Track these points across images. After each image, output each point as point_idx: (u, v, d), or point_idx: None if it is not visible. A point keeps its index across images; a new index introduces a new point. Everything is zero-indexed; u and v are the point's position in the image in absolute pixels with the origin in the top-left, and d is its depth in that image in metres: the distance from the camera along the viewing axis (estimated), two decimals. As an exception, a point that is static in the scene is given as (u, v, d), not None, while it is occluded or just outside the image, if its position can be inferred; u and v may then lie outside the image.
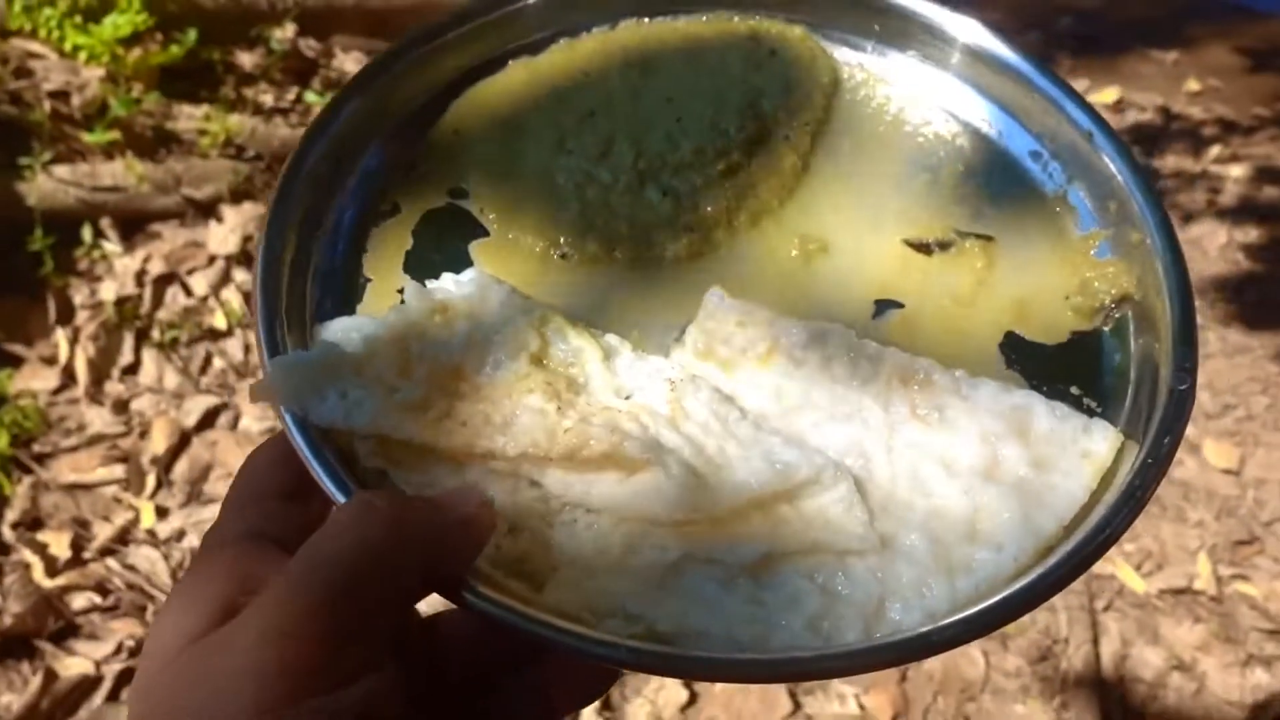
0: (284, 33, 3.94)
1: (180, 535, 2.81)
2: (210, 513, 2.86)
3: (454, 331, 0.83)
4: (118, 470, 2.92)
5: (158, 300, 3.29)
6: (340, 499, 0.74)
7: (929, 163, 1.00)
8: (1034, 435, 0.83)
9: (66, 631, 2.61)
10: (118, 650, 2.58)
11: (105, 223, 3.36)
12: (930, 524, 0.79)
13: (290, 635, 0.63)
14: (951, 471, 0.81)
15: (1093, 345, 0.91)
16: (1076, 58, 5.28)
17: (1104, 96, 4.87)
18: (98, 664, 2.55)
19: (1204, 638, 2.76)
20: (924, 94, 1.04)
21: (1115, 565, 2.89)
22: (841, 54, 1.06)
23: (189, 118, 3.60)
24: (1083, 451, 0.83)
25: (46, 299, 3.18)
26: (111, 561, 2.74)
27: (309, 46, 4.03)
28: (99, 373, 3.11)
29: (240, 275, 3.39)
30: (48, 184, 3.26)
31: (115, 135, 3.40)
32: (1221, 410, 3.38)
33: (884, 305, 0.92)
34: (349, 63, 4.09)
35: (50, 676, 2.48)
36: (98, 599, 2.66)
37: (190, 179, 3.48)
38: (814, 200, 0.98)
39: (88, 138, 3.38)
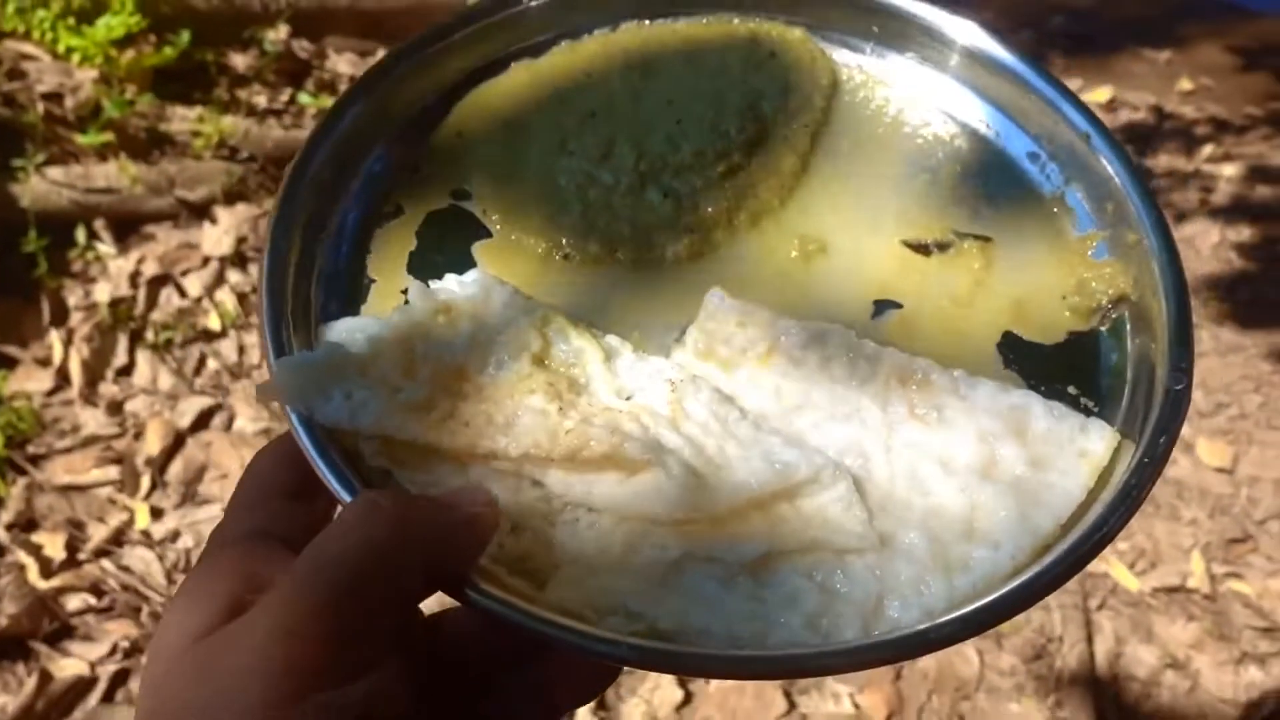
0: (277, 34, 3.93)
1: (175, 536, 2.81)
2: (205, 513, 2.86)
3: (457, 332, 0.84)
4: (112, 471, 2.92)
5: (152, 301, 3.29)
6: (346, 498, 0.74)
7: (928, 164, 1.00)
8: (1031, 434, 0.83)
9: (61, 633, 2.61)
10: (112, 651, 2.58)
11: (99, 224, 3.36)
12: (928, 522, 0.79)
13: (296, 634, 0.64)
14: (949, 470, 0.82)
15: (1090, 345, 0.91)
16: (1069, 57, 5.28)
17: (1097, 95, 4.88)
18: (92, 665, 2.55)
19: (1198, 636, 2.77)
20: (923, 95, 1.04)
21: (1109, 564, 2.89)
22: (841, 56, 1.07)
23: (182, 119, 3.59)
24: (1080, 451, 0.83)
25: (41, 301, 3.18)
26: (106, 563, 2.73)
27: (302, 48, 4.02)
28: (93, 374, 3.10)
29: (234, 276, 3.38)
30: (41, 186, 3.25)
31: (109, 137, 3.40)
32: (1215, 409, 3.38)
33: (883, 305, 0.92)
34: (342, 64, 4.09)
35: (45, 678, 2.48)
36: (92, 600, 2.66)
37: (184, 180, 3.48)
38: (813, 201, 0.99)
39: (81, 139, 3.38)
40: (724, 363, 0.87)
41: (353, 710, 0.64)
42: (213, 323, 3.28)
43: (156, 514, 2.86)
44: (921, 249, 0.96)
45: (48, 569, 2.67)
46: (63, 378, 3.08)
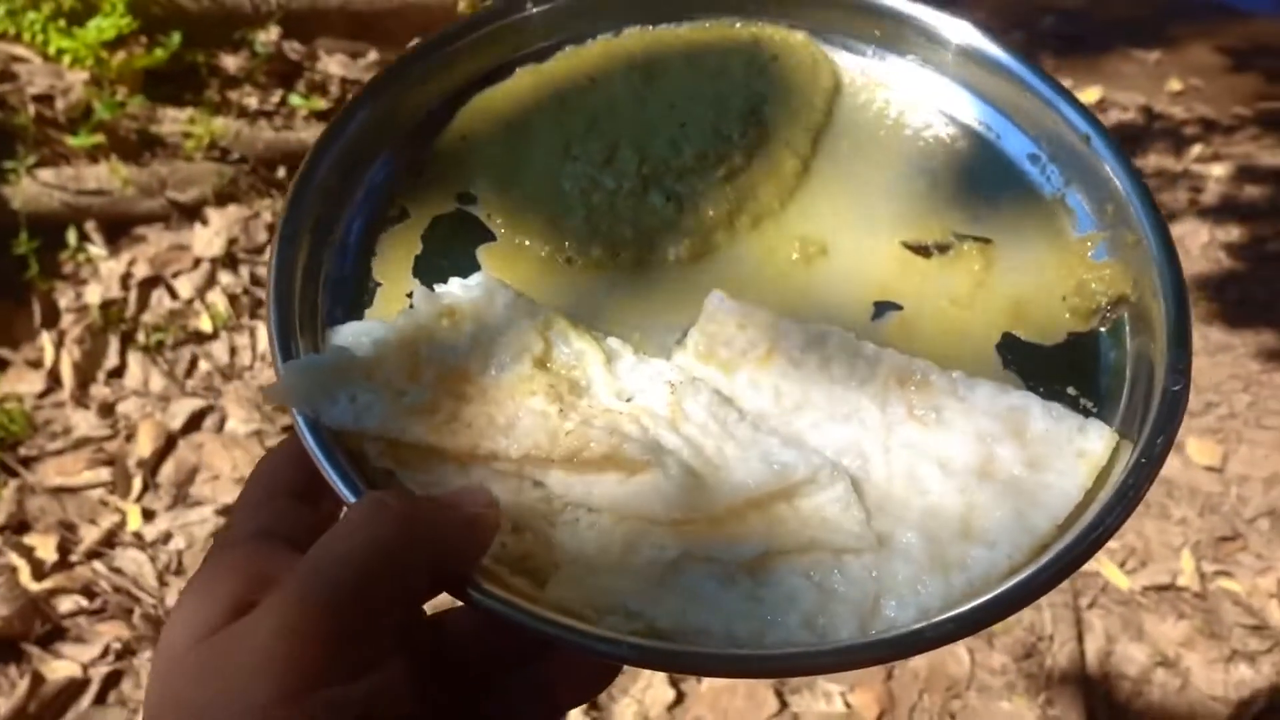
0: (268, 35, 3.92)
1: (167, 538, 2.81)
2: (197, 515, 2.85)
3: (461, 335, 0.84)
4: (104, 473, 2.91)
5: (143, 303, 3.28)
6: (351, 499, 0.74)
7: (928, 166, 1.01)
8: (1030, 435, 0.84)
9: (53, 635, 2.60)
10: (105, 653, 2.57)
11: (90, 226, 3.35)
12: (926, 522, 0.79)
13: (301, 633, 0.64)
14: (947, 471, 0.82)
15: (1089, 346, 0.91)
16: (1060, 57, 5.30)
17: (1086, 96, 4.89)
18: (85, 667, 2.54)
19: (1188, 634, 2.78)
20: (924, 98, 1.04)
21: (1099, 563, 2.90)
22: (842, 59, 1.07)
23: (173, 121, 3.58)
24: (1078, 451, 0.83)
25: (32, 302, 3.17)
26: (98, 564, 2.73)
27: (293, 49, 4.01)
28: (84, 376, 3.10)
29: (225, 278, 3.38)
30: (32, 187, 3.25)
31: (100, 138, 3.39)
32: (1204, 408, 3.40)
33: (883, 307, 0.93)
34: (333, 65, 4.08)
35: (37, 680, 2.47)
36: (84, 602, 2.65)
37: (175, 182, 3.47)
38: (814, 203, 0.99)
39: (72, 141, 3.37)
40: (724, 364, 0.87)
41: (355, 708, 0.65)
42: (204, 324, 3.27)
43: (148, 516, 2.85)
44: (921, 250, 0.96)
45: (39, 571, 2.67)
46: (54, 380, 3.08)
